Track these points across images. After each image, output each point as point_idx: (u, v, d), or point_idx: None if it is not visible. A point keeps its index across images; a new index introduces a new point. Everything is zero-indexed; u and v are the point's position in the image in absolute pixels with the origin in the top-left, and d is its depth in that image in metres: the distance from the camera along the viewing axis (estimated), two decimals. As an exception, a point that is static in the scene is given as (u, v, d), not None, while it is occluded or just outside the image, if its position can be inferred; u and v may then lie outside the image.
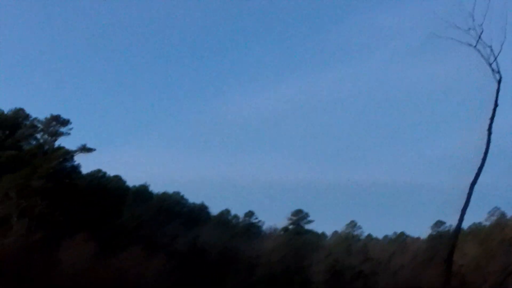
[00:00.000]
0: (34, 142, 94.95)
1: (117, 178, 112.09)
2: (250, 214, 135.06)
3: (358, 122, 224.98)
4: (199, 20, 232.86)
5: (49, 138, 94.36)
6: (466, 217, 33.65)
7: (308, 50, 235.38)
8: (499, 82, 34.27)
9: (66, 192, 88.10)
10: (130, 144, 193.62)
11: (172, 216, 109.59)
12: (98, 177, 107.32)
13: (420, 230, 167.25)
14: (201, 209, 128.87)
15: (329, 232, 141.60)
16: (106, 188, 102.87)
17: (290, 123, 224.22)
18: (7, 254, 73.04)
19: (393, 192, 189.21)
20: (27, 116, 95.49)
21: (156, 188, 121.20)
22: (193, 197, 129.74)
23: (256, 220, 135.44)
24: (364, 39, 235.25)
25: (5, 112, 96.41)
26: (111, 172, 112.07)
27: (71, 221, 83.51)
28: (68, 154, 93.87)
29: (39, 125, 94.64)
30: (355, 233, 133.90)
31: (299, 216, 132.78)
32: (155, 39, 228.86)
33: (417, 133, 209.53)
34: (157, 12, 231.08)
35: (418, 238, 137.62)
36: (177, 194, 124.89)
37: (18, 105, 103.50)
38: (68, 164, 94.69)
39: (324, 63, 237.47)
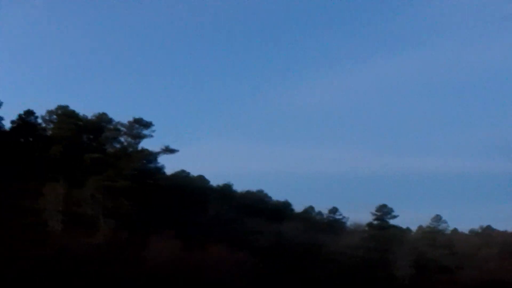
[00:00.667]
0: (117, 145, 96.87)
1: (201, 178, 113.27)
2: (334, 210, 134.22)
3: (439, 110, 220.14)
4: (267, 11, 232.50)
5: (132, 140, 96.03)
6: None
7: (380, 37, 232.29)
8: None
9: (151, 192, 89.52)
10: (212, 144, 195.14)
11: (255, 213, 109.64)
12: (181, 177, 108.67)
13: (508, 223, 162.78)
14: (285, 206, 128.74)
15: (413, 227, 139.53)
16: (190, 187, 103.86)
17: (369, 115, 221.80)
18: (94, 253, 74.48)
19: (479, 184, 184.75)
20: (110, 120, 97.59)
21: (240, 186, 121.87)
22: (276, 195, 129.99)
23: (340, 216, 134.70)
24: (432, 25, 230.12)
25: (89, 117, 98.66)
26: (194, 172, 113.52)
27: (156, 220, 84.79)
28: (152, 156, 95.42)
29: (122, 128, 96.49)
30: (440, 227, 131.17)
31: (383, 211, 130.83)
32: (228, 36, 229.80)
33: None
34: (224, 4, 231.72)
35: (505, 232, 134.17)
36: (260, 192, 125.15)
37: (101, 109, 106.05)
38: (152, 165, 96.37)
39: (395, 48, 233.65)
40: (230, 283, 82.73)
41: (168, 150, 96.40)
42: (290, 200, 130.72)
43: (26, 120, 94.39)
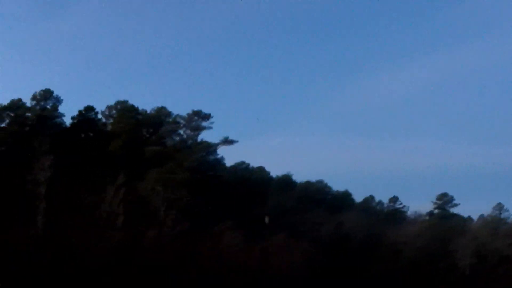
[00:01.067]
0: (177, 138, 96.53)
1: (261, 169, 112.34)
2: (394, 199, 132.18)
3: (501, 100, 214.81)
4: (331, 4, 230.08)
5: (192, 133, 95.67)
6: None
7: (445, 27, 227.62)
8: None
9: (211, 183, 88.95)
10: (271, 135, 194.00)
11: (315, 204, 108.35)
12: (241, 168, 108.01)
13: None
14: (345, 196, 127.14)
15: (475, 216, 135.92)
16: (250, 179, 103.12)
17: (428, 106, 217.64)
18: (155, 245, 74.38)
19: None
20: (169, 114, 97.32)
21: (299, 177, 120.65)
22: (336, 185, 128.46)
23: (401, 206, 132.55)
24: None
25: (148, 111, 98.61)
26: (254, 163, 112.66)
27: (217, 211, 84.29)
28: (211, 147, 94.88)
29: (181, 121, 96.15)
30: (502, 216, 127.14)
31: (444, 200, 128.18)
32: (289, 27, 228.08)
33: None
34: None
35: None
36: (320, 182, 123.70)
37: (160, 103, 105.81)
38: (212, 157, 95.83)
39: (461, 37, 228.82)
40: (292, 273, 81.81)
41: (227, 142, 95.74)
42: (350, 190, 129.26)
43: (86, 116, 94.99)
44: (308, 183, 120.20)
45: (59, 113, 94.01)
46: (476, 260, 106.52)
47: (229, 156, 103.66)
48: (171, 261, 74.49)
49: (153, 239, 76.64)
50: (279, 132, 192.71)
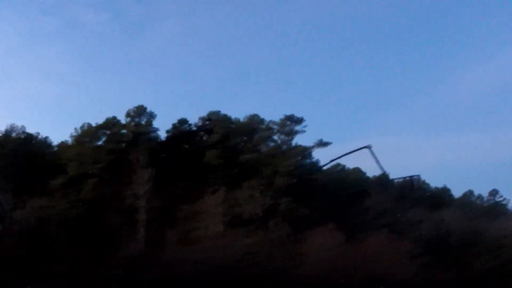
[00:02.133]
0: (271, 144, 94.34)
1: (357, 170, 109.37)
2: (494, 192, 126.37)
3: None
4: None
5: (285, 137, 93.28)
6: None
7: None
8: None
9: (308, 187, 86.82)
10: (364, 135, 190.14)
11: (414, 201, 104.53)
12: (337, 170, 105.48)
13: None
14: (443, 193, 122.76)
15: None
16: (347, 180, 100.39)
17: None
18: (257, 251, 72.98)
19: None
20: (261, 121, 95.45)
21: (396, 175, 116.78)
22: (434, 182, 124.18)
23: (501, 199, 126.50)
24: None
25: (241, 119, 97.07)
26: (349, 164, 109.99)
27: (316, 214, 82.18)
28: (306, 151, 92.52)
29: (274, 126, 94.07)
30: None
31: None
32: (377, 25, 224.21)
33: None
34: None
35: None
36: (417, 179, 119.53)
37: (251, 111, 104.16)
38: (307, 161, 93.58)
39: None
40: (395, 273, 78.87)
41: (321, 144, 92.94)
42: (448, 186, 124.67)
43: (180, 129, 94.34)
44: (405, 181, 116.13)
45: (153, 127, 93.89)
46: None
47: (324, 159, 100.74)
48: (273, 266, 73.02)
49: (253, 245, 75.09)
50: (371, 132, 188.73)
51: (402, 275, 78.53)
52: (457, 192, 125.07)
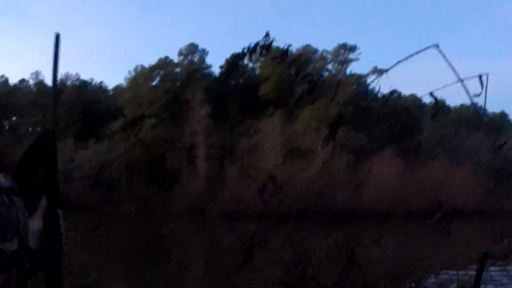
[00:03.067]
0: (326, 73, 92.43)
1: (413, 97, 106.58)
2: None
3: None
4: None
5: (340, 67, 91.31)
6: None
7: None
8: None
9: (365, 115, 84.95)
10: (421, 61, 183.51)
11: (472, 127, 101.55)
12: (393, 98, 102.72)
13: None
14: (502, 118, 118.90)
15: None
16: (403, 107, 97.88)
17: None
18: (316, 182, 71.83)
19: None
20: (315, 51, 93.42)
21: (453, 101, 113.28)
22: (492, 107, 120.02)
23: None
24: None
25: (294, 50, 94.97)
26: (406, 91, 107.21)
27: (373, 143, 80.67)
28: (361, 79, 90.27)
29: (328, 56, 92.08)
30: None
31: None
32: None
33: None
34: None
35: None
36: (474, 105, 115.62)
37: (304, 42, 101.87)
38: (362, 89, 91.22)
39: None
40: (456, 200, 77.11)
41: (376, 71, 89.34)
42: (507, 111, 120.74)
43: (233, 64, 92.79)
44: (462, 106, 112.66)
45: (207, 64, 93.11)
46: None
47: (382, 88, 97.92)
48: (331, 196, 71.84)
49: (312, 176, 73.95)
50: (428, 58, 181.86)
51: (463, 203, 76.78)
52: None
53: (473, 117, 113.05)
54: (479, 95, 4.78)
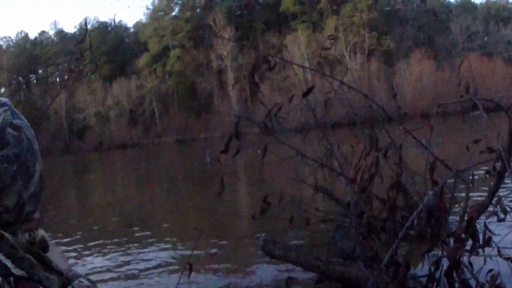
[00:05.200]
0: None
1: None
2: None
3: None
4: None
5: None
6: None
7: None
8: None
9: (391, 19, 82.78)
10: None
11: (501, 22, 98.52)
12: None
13: None
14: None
15: None
16: (428, 7, 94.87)
17: None
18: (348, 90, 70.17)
19: None
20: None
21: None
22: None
23: None
24: None
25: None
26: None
27: (402, 45, 78.87)
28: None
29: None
30: None
31: None
32: None
33: None
34: None
35: None
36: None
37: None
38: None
39: None
40: (492, 95, 74.85)
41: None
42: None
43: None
44: (489, 2, 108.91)
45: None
46: None
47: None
48: (371, 102, 70.25)
49: (339, 86, 72.34)
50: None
51: (499, 97, 74.67)
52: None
53: (501, 11, 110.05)
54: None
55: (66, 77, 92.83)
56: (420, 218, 5.31)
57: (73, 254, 11.10)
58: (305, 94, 6.63)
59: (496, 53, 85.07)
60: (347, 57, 76.58)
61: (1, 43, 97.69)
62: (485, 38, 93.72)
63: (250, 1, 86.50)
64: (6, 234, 1.03)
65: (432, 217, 5.24)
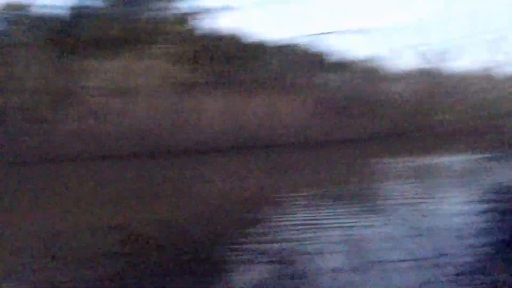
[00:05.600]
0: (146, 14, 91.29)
1: (257, 33, 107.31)
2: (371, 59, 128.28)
3: None
4: None
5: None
6: None
7: None
8: None
9: (210, 53, 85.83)
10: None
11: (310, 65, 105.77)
12: (238, 35, 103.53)
13: None
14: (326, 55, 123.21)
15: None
16: (246, 45, 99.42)
17: None
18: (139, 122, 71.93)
19: None
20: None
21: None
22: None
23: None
24: None
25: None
26: (251, 29, 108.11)
27: (215, 80, 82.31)
28: (204, 15, 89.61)
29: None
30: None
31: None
32: None
33: None
34: None
35: None
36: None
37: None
38: (206, 26, 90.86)
39: None
40: (298, 132, 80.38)
41: (224, 8, 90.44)
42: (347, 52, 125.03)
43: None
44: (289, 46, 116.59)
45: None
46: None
47: (223, 23, 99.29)
48: (162, 132, 72.49)
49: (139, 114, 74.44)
50: None
51: (303, 135, 79.78)
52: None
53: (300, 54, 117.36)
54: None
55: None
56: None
57: None
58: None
59: (294, 92, 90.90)
60: (162, 87, 78.29)
61: None
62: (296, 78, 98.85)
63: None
64: None
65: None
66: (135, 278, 7.64)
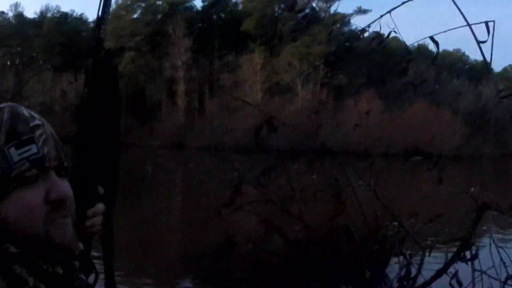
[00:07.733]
0: (310, 11, 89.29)
1: (396, 39, 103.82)
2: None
3: None
4: None
5: (324, 5, 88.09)
6: None
7: None
8: None
9: (347, 55, 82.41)
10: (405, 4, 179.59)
11: (454, 73, 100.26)
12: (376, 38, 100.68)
13: None
14: (484, 66, 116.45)
15: None
16: (386, 49, 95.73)
17: None
18: (294, 119, 70.02)
19: None
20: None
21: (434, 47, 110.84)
22: (474, 54, 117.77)
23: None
24: None
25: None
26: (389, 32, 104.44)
27: (354, 82, 79.20)
28: (345, 18, 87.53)
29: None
30: None
31: None
32: None
33: None
34: None
35: None
36: (457, 51, 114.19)
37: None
38: (346, 28, 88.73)
39: None
40: (435, 144, 76.14)
41: (360, 11, 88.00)
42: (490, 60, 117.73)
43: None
44: (445, 52, 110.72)
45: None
46: None
47: (363, 25, 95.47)
48: (313, 134, 69.93)
49: (290, 113, 72.51)
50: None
51: (441, 147, 76.00)
52: (497, 67, 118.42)
53: (456, 63, 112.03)
54: (485, 42, 5.17)
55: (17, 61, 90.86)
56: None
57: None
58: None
59: (445, 103, 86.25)
60: (299, 86, 76.45)
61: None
62: (436, 86, 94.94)
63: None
64: None
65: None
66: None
